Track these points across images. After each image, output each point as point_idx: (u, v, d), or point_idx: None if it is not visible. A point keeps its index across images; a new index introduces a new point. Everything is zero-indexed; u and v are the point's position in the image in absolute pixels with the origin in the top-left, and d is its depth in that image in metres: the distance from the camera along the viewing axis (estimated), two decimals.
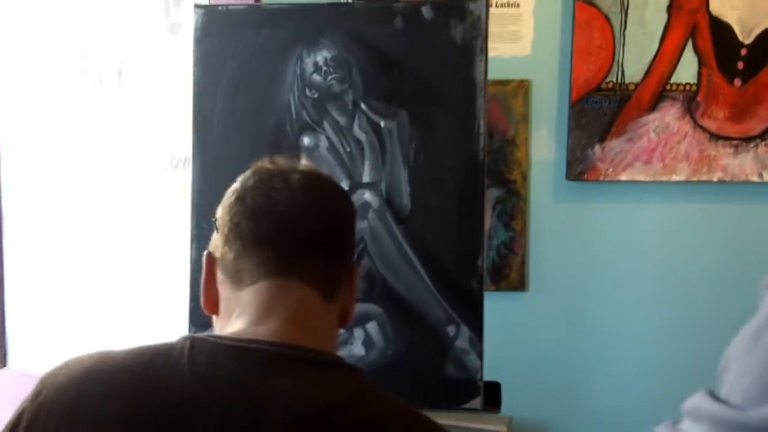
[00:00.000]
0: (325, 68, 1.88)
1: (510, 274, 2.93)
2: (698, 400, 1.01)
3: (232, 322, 1.25)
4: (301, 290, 1.25)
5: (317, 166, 1.40)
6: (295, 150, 1.89)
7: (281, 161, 1.34)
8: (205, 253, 1.32)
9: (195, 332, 1.30)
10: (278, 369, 1.16)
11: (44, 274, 2.94)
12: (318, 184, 1.32)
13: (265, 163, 1.34)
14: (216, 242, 1.31)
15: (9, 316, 2.98)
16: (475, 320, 1.85)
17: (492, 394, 1.91)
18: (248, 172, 1.33)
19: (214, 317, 1.32)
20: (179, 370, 1.14)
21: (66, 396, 1.16)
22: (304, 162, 1.35)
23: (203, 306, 1.32)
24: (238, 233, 1.26)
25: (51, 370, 1.21)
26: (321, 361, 1.20)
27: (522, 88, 2.84)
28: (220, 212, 1.31)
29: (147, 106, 2.78)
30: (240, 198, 1.29)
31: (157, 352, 1.17)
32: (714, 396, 1.00)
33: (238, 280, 1.26)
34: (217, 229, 1.31)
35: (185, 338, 1.19)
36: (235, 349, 1.17)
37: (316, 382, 1.16)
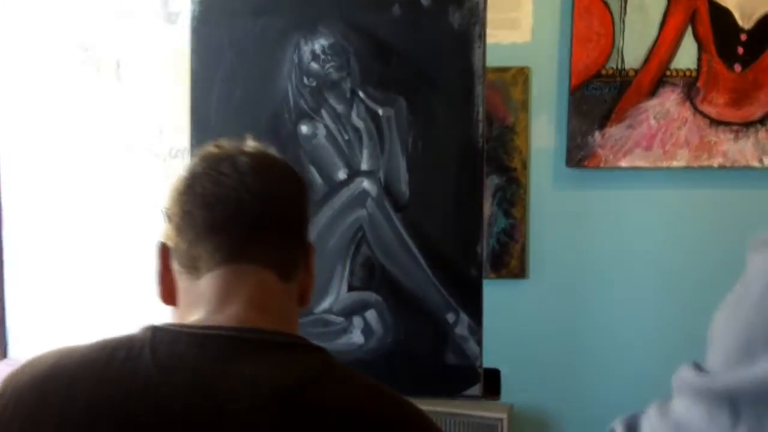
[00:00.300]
0: (322, 56, 1.87)
1: (510, 261, 2.92)
2: (682, 372, 1.01)
3: (192, 312, 1.24)
4: (258, 274, 1.24)
5: (266, 148, 1.37)
6: (293, 138, 1.89)
7: (227, 144, 1.31)
8: (157, 243, 1.30)
9: None
10: (240, 354, 1.16)
11: (45, 266, 2.94)
12: (266, 166, 1.30)
13: (210, 147, 1.31)
14: (168, 232, 1.29)
15: (9, 307, 2.99)
16: (474, 307, 1.85)
17: (491, 382, 1.91)
18: (195, 159, 1.31)
19: (172, 309, 1.30)
20: (141, 361, 1.13)
21: (30, 394, 1.15)
22: (250, 143, 1.33)
23: (160, 298, 1.30)
24: (190, 222, 1.25)
25: (15, 369, 1.21)
26: (283, 343, 1.20)
27: (521, 75, 2.83)
28: (169, 201, 1.29)
29: (145, 96, 2.77)
30: (189, 186, 1.26)
31: (119, 344, 1.16)
32: (697, 366, 0.99)
33: (194, 269, 1.25)
34: (168, 218, 1.28)
35: (147, 328, 1.18)
36: (196, 336, 1.17)
37: (278, 365, 1.16)
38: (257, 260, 1.25)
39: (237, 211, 1.24)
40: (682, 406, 0.94)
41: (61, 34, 2.88)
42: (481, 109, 1.83)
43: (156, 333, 1.17)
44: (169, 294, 1.29)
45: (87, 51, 2.86)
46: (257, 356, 1.16)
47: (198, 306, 1.24)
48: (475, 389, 1.88)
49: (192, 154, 1.31)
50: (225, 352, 1.15)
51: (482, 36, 1.82)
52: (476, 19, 1.82)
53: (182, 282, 1.27)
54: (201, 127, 1.95)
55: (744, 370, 0.87)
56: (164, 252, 1.29)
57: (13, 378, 1.19)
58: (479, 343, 1.88)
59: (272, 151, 1.35)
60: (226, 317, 1.21)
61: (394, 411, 1.21)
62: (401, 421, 1.21)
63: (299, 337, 1.25)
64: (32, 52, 2.92)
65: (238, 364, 1.14)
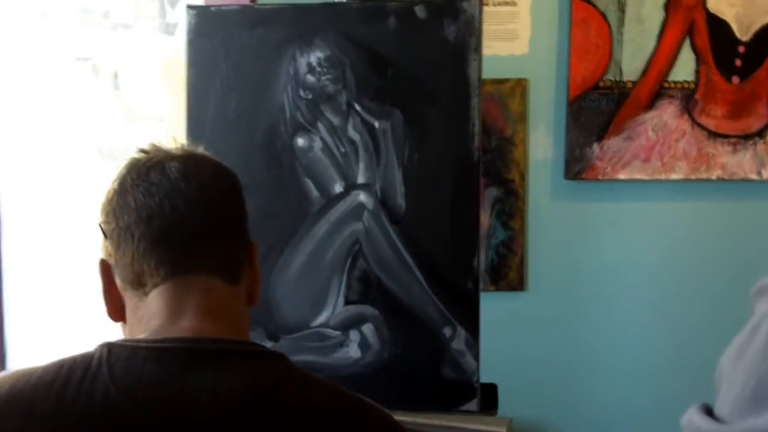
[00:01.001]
0: (318, 69, 1.86)
1: (509, 273, 2.92)
2: (690, 415, 1.00)
3: (143, 327, 1.23)
4: (204, 283, 1.23)
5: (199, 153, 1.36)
6: (290, 151, 1.88)
7: (153, 149, 1.29)
8: (97, 261, 1.30)
9: None
10: (198, 365, 1.15)
11: (43, 272, 2.93)
12: (197, 168, 1.27)
13: (136, 154, 1.30)
14: (107, 249, 1.28)
15: (8, 317, 2.98)
16: (471, 321, 1.84)
17: (489, 396, 1.90)
18: (122, 169, 1.28)
19: (121, 325, 1.30)
20: (98, 380, 1.13)
21: None
22: (177, 144, 1.32)
23: (108, 315, 1.30)
24: (128, 238, 1.23)
25: None
26: (240, 352, 1.20)
27: (519, 87, 2.83)
28: (103, 216, 1.28)
29: (142, 106, 2.77)
30: (121, 198, 1.25)
31: (74, 364, 1.16)
32: (706, 410, 0.98)
33: (139, 284, 1.24)
34: (104, 234, 1.27)
35: (102, 345, 1.17)
36: (153, 350, 1.16)
37: (236, 374, 1.15)
38: (202, 269, 1.24)
39: (174, 222, 1.22)
40: None
41: (60, 44, 2.88)
42: (477, 122, 1.83)
43: (112, 349, 1.16)
44: (117, 311, 1.28)
45: (85, 61, 2.85)
46: (215, 366, 1.15)
47: (149, 321, 1.22)
48: (472, 404, 1.87)
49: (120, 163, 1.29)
50: (183, 365, 1.15)
51: (478, 49, 1.82)
52: (472, 32, 1.81)
53: (129, 299, 1.26)
54: (197, 138, 1.94)
55: (754, 420, 0.86)
56: (105, 269, 1.28)
57: None
58: (476, 357, 1.87)
59: (200, 149, 1.34)
60: (180, 330, 1.20)
61: (355, 412, 1.21)
62: (364, 421, 1.21)
63: (257, 345, 1.26)
64: (30, 61, 2.92)
65: (196, 376, 1.14)
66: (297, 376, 1.20)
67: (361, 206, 1.86)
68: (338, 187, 1.88)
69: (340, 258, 1.89)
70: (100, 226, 1.28)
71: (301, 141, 1.89)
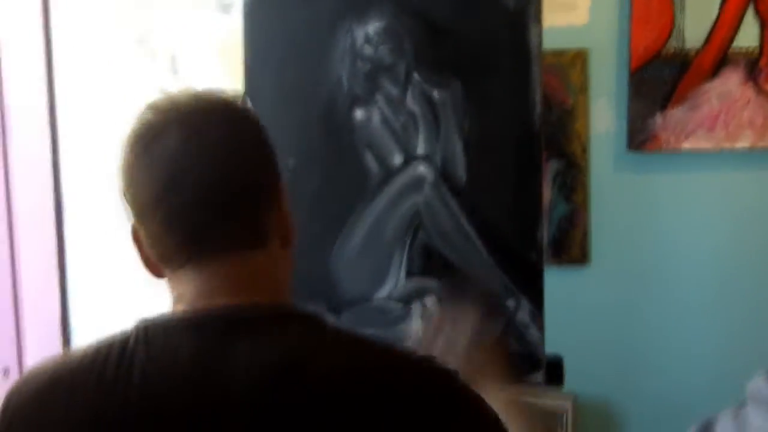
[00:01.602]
0: (376, 39, 1.85)
1: (571, 247, 2.88)
2: (759, 383, 0.97)
3: (179, 298, 1.21)
4: (229, 260, 1.19)
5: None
6: (348, 124, 1.87)
7: (154, 112, 1.20)
8: (130, 229, 1.25)
9: None
10: (235, 336, 1.13)
11: (106, 260, 2.96)
12: (202, 131, 1.18)
13: (139, 122, 1.21)
14: (132, 220, 1.24)
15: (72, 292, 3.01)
16: (535, 293, 1.82)
17: (555, 369, 1.88)
18: (126, 140, 1.21)
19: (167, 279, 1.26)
20: (135, 360, 1.12)
21: (30, 410, 1.15)
22: (185, 95, 1.23)
23: (151, 274, 1.26)
24: (144, 219, 1.20)
25: (14, 384, 1.20)
26: (279, 316, 1.18)
27: (580, 57, 2.79)
28: (122, 187, 1.23)
29: (200, 87, 2.78)
30: (130, 176, 1.21)
31: (113, 345, 1.15)
32: None
33: (165, 259, 1.21)
34: (126, 206, 1.24)
35: (138, 323, 1.17)
36: (188, 325, 1.16)
37: (276, 342, 1.14)
38: (224, 247, 1.20)
39: (184, 204, 1.17)
40: (758, 418, 0.91)
41: (118, 27, 2.89)
42: (537, 91, 1.80)
43: (147, 327, 1.16)
44: (156, 272, 1.25)
45: (142, 43, 2.87)
46: (251, 335, 1.14)
47: (182, 296, 1.20)
48: (538, 376, 1.85)
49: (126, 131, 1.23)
50: (219, 336, 1.13)
51: (538, 16, 1.79)
52: (531, 0, 1.78)
53: (163, 268, 1.23)
54: None
55: None
56: (136, 237, 1.25)
57: (13, 394, 1.18)
58: (541, 329, 1.85)
59: (213, 94, 1.24)
60: (215, 303, 1.18)
61: (399, 370, 1.17)
62: (419, 384, 1.16)
63: (295, 308, 1.22)
64: (88, 46, 2.93)
65: (232, 347, 1.12)
66: (340, 339, 1.18)
67: (422, 178, 1.85)
68: (398, 159, 1.86)
69: (401, 231, 1.87)
70: (123, 196, 1.24)
71: (359, 113, 1.87)
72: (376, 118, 1.87)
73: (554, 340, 1.88)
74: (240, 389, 1.10)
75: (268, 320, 1.17)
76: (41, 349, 2.87)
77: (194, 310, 1.18)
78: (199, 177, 1.16)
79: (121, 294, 2.86)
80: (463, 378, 1.19)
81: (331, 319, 1.82)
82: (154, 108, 1.21)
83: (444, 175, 1.85)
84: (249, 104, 1.29)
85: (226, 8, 2.77)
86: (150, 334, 1.15)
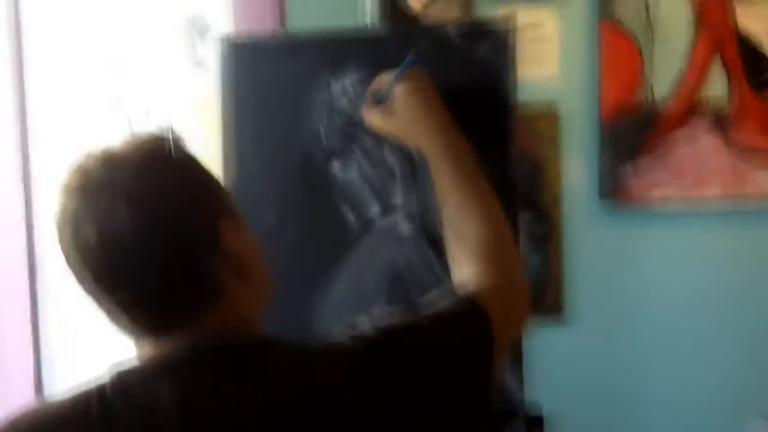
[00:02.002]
0: (352, 92, 1.86)
1: (545, 300, 2.89)
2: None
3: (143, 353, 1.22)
4: (189, 322, 1.20)
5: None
6: (326, 177, 1.88)
7: (91, 183, 1.17)
8: None
9: None
10: (204, 374, 1.15)
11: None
12: (118, 222, 1.13)
13: (63, 198, 1.18)
14: None
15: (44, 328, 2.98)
16: (515, 351, 1.81)
17: (535, 428, 1.88)
18: (74, 204, 1.17)
19: None
20: (116, 410, 1.12)
21: None
22: (98, 159, 1.19)
23: None
24: (90, 289, 1.19)
25: None
26: (240, 349, 1.20)
27: (549, 110, 2.82)
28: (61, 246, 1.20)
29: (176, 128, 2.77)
30: (67, 259, 1.20)
31: (90, 396, 1.15)
32: None
33: (121, 330, 1.22)
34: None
35: (112, 372, 1.17)
36: (163, 371, 1.16)
37: (241, 378, 1.15)
38: (178, 317, 1.19)
39: (122, 299, 1.17)
40: None
41: (92, 86, 2.89)
42: (513, 143, 1.82)
43: (121, 375, 1.16)
44: None
45: (117, 102, 2.87)
46: (220, 372, 1.15)
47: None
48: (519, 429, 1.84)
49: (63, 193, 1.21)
50: (190, 376, 1.15)
51: (512, 66, 1.81)
52: (506, 53, 1.80)
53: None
54: (235, 175, 1.94)
55: None
56: None
57: None
58: (522, 388, 1.85)
59: (128, 149, 1.21)
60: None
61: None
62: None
63: (263, 337, 1.25)
64: (62, 67, 2.92)
65: (205, 386, 1.14)
66: (297, 363, 1.20)
67: (398, 229, 1.85)
68: (375, 211, 1.87)
69: (380, 284, 1.87)
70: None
71: (337, 166, 1.88)
72: (353, 170, 1.88)
73: (531, 394, 1.87)
74: (225, 429, 1.11)
75: (243, 355, 1.18)
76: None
77: (165, 355, 1.18)
78: (126, 267, 1.15)
79: (93, 341, 2.84)
80: None
81: None
82: (72, 189, 1.18)
83: (422, 227, 1.85)
84: (177, 138, 1.26)
85: (199, 64, 2.78)
86: (125, 383, 1.15)
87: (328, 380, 1.17)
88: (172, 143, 1.23)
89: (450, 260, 1.61)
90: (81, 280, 1.19)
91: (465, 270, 1.52)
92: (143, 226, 1.13)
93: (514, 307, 1.53)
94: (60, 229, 1.17)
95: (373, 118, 1.73)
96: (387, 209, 1.87)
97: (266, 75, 1.92)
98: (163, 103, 2.83)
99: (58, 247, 1.19)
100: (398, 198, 1.84)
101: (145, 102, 2.84)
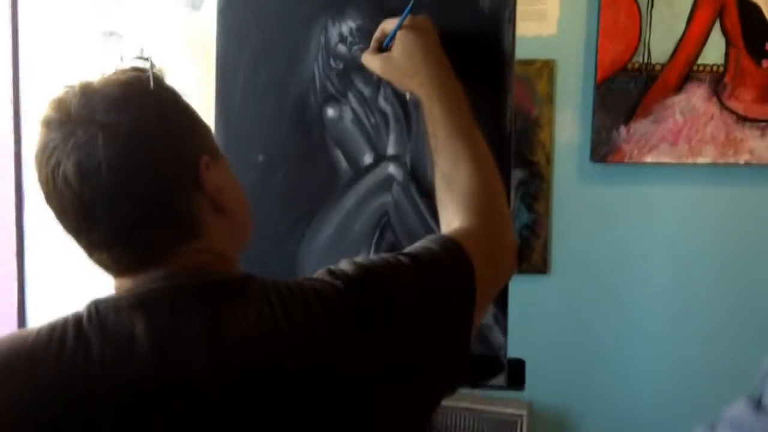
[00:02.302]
0: (350, 38, 1.84)
1: (532, 256, 2.90)
2: (742, 412, 0.97)
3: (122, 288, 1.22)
4: (169, 258, 1.19)
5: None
6: (319, 121, 1.87)
7: (59, 130, 1.14)
8: None
9: None
10: (181, 306, 1.15)
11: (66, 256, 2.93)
12: (93, 155, 1.12)
13: (40, 134, 1.16)
14: None
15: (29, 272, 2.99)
16: (500, 296, 1.81)
17: (516, 372, 1.88)
18: (38, 158, 1.15)
19: None
20: (92, 338, 1.12)
21: None
22: (80, 93, 1.17)
23: None
24: (72, 237, 1.19)
25: None
26: (220, 282, 1.19)
27: (546, 68, 2.81)
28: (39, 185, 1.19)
29: (170, 83, 2.76)
30: (47, 199, 1.18)
31: (67, 323, 1.15)
32: (758, 406, 0.96)
33: (102, 268, 1.21)
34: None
35: (90, 303, 1.17)
36: (135, 298, 1.16)
37: (221, 310, 1.15)
38: (156, 254, 1.19)
39: (101, 237, 1.17)
40: None
41: (86, 20, 2.87)
42: (510, 96, 1.81)
43: (98, 306, 1.16)
44: None
45: (111, 36, 2.85)
46: (199, 304, 1.15)
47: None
48: (500, 379, 1.85)
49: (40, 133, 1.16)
50: (167, 308, 1.14)
51: (512, 20, 1.80)
52: (507, 2, 1.79)
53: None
54: (226, 112, 1.93)
55: None
56: None
57: None
58: (504, 332, 1.85)
59: (109, 84, 1.19)
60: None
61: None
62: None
63: (236, 274, 1.24)
64: (56, 38, 2.91)
65: (183, 319, 1.14)
66: (273, 299, 1.18)
67: (391, 178, 1.84)
68: (368, 159, 1.86)
69: (368, 230, 1.87)
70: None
71: (331, 111, 1.87)
72: (347, 116, 1.87)
73: (512, 348, 1.88)
74: (195, 367, 1.11)
75: (212, 287, 1.18)
76: None
77: (137, 285, 1.18)
78: (104, 202, 1.14)
79: (77, 280, 2.85)
80: None
81: None
82: (51, 122, 1.16)
83: (413, 175, 1.84)
84: (158, 72, 1.24)
85: (196, 4, 2.76)
86: (102, 313, 1.14)
87: (305, 318, 1.16)
88: (152, 77, 1.21)
89: (439, 206, 1.60)
90: (60, 216, 1.18)
91: (454, 218, 1.52)
92: (120, 160, 1.12)
93: (500, 260, 1.52)
94: (39, 164, 1.16)
95: (371, 61, 1.73)
96: (380, 158, 1.87)
97: (264, 14, 1.90)
98: (157, 42, 2.81)
99: (38, 184, 1.18)
100: (391, 147, 1.83)
101: (139, 39, 2.83)
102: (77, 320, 1.15)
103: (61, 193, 1.14)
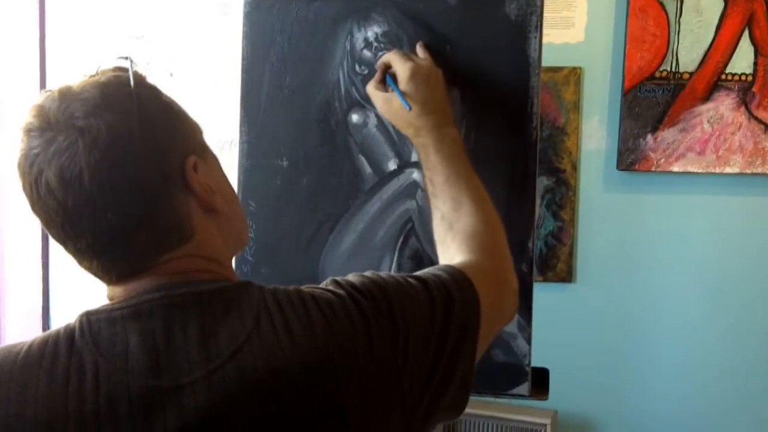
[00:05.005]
0: (375, 44, 1.84)
1: (557, 264, 2.89)
2: None
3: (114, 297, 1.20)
4: (158, 265, 1.17)
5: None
6: (344, 127, 1.87)
7: (40, 140, 1.11)
8: None
9: None
10: (177, 317, 1.12)
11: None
12: (76, 170, 1.09)
13: (21, 147, 1.13)
14: None
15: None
16: (524, 304, 1.80)
17: (540, 381, 1.87)
18: (32, 144, 1.12)
19: None
20: (85, 353, 1.10)
21: None
22: (60, 100, 1.13)
23: None
24: (56, 235, 1.16)
25: None
26: (215, 291, 1.16)
27: (574, 75, 2.80)
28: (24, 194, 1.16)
29: (195, 88, 2.77)
30: (33, 208, 1.15)
31: (59, 338, 1.13)
32: None
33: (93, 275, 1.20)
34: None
35: (81, 315, 1.15)
36: (129, 309, 1.13)
37: (217, 321, 1.13)
38: (144, 263, 1.17)
39: (86, 246, 1.14)
40: None
41: (114, 23, 2.88)
42: (536, 102, 1.80)
43: (90, 318, 1.14)
44: None
45: (138, 40, 2.86)
46: (194, 314, 1.13)
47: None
48: (523, 388, 1.83)
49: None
50: (161, 320, 1.12)
51: (539, 27, 1.79)
52: (533, 9, 1.78)
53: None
54: (251, 116, 1.93)
55: None
56: None
57: None
58: (528, 340, 1.84)
59: (88, 89, 1.15)
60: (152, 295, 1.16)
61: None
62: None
63: (223, 280, 1.20)
64: (84, 42, 2.92)
65: (178, 328, 1.11)
66: (272, 308, 1.16)
67: (415, 184, 1.84)
68: (392, 165, 1.86)
69: (392, 236, 1.87)
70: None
71: (355, 117, 1.87)
72: (372, 122, 1.86)
73: (537, 357, 1.87)
74: (192, 378, 1.09)
75: (207, 295, 1.15)
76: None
77: (130, 296, 1.16)
78: (88, 210, 1.11)
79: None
80: None
81: None
82: (31, 129, 1.13)
83: None
84: (139, 73, 1.21)
85: (224, 9, 2.77)
86: (94, 326, 1.12)
87: (304, 328, 1.13)
88: (132, 77, 1.17)
89: (439, 246, 1.58)
90: (47, 225, 1.16)
91: (456, 254, 1.49)
92: (101, 166, 1.09)
93: (504, 299, 1.50)
94: (22, 172, 1.14)
95: (374, 95, 1.73)
96: (404, 164, 1.86)
97: (290, 18, 1.90)
98: (185, 48, 2.82)
99: (23, 193, 1.15)
100: (416, 154, 1.82)
101: (168, 46, 2.84)
102: (69, 334, 1.13)
103: (45, 201, 1.12)
